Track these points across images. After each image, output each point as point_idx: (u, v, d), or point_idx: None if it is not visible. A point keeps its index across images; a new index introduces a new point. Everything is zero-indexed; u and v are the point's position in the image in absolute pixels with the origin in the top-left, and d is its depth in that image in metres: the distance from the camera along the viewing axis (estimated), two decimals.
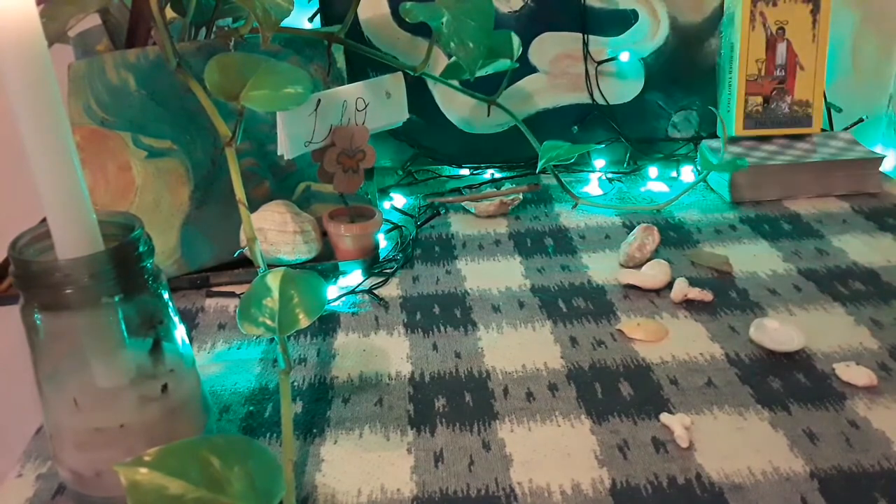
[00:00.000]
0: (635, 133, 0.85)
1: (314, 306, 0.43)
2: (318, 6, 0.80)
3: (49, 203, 0.37)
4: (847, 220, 0.71)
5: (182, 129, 0.62)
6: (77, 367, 0.40)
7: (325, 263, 0.65)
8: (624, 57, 0.82)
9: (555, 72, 0.82)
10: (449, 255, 0.68)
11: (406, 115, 0.69)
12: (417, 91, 0.78)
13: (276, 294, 0.44)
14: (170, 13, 0.64)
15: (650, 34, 0.82)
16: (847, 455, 0.43)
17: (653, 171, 0.83)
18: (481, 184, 0.83)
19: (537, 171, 0.73)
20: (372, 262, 0.66)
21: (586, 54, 0.81)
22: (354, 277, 0.64)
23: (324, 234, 0.66)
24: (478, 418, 0.47)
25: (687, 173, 0.82)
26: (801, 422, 0.46)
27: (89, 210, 0.37)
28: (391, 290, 0.63)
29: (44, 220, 0.37)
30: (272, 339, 0.55)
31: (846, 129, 0.84)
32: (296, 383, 0.51)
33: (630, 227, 0.71)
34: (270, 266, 0.49)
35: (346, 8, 0.70)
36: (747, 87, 0.80)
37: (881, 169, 0.77)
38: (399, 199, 0.79)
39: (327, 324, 0.58)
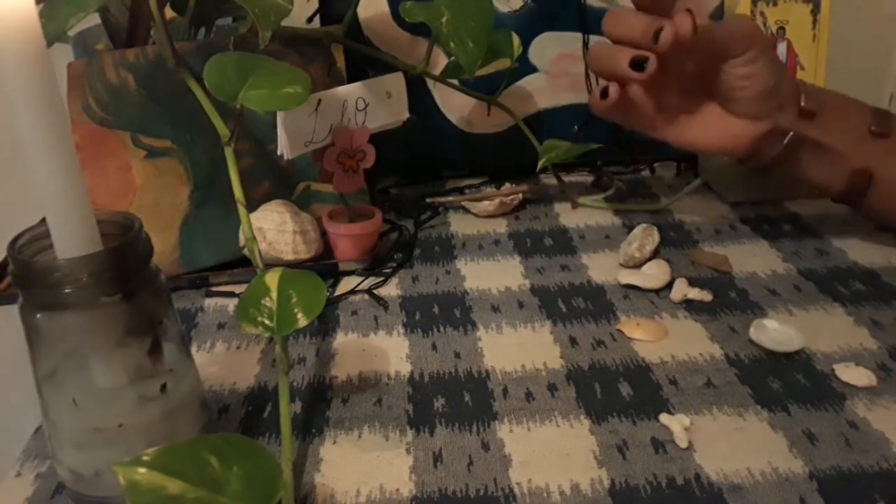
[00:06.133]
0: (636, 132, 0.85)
1: (313, 306, 0.43)
2: (318, 6, 0.80)
3: (48, 203, 0.37)
4: (847, 220, 0.71)
5: (182, 129, 0.62)
6: (76, 367, 0.40)
7: (324, 263, 0.65)
8: None
9: (555, 72, 0.82)
10: (448, 255, 0.68)
11: (406, 115, 0.69)
12: (417, 91, 0.78)
13: (274, 294, 0.44)
14: (169, 13, 0.64)
15: None
16: (846, 456, 0.43)
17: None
18: (481, 183, 0.83)
19: (537, 170, 0.73)
20: (371, 262, 0.66)
21: (586, 54, 0.81)
22: (354, 277, 0.64)
23: (323, 233, 0.66)
24: (477, 418, 0.47)
25: (688, 173, 0.82)
26: (801, 422, 0.46)
27: (89, 210, 0.37)
28: (391, 290, 0.63)
29: (43, 219, 0.37)
30: (271, 339, 0.55)
31: None
32: (295, 383, 0.51)
33: (630, 227, 0.71)
34: (269, 266, 0.49)
35: (345, 8, 0.71)
36: None
37: None
38: (399, 199, 0.79)
39: (326, 323, 0.58)
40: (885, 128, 0.60)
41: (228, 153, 0.54)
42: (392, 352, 0.54)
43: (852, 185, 0.62)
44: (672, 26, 0.56)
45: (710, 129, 0.62)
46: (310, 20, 0.81)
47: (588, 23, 0.80)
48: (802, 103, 0.60)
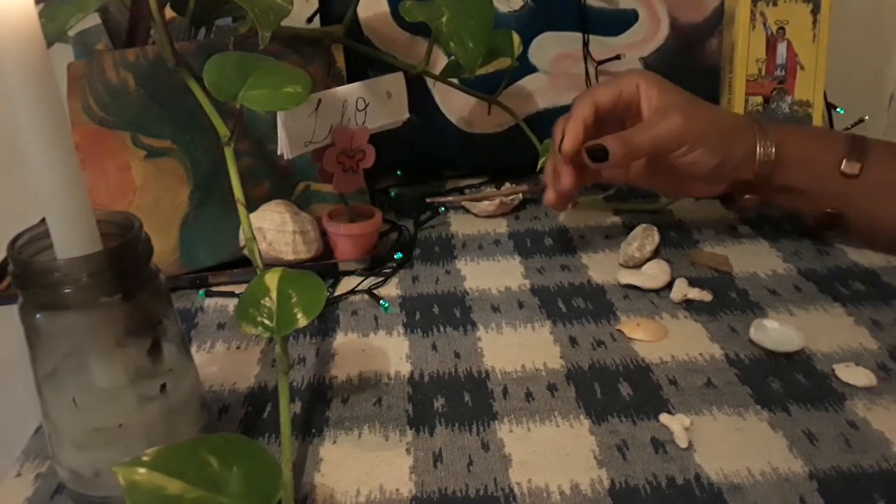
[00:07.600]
0: None
1: (313, 306, 0.43)
2: (318, 6, 0.80)
3: (48, 203, 0.37)
4: None
5: (182, 128, 0.62)
6: (76, 367, 0.40)
7: (324, 263, 0.65)
8: (624, 56, 0.82)
9: (555, 71, 0.82)
10: (449, 255, 0.68)
11: (406, 115, 0.69)
12: (417, 91, 0.78)
13: (274, 294, 0.44)
14: (169, 13, 0.64)
15: (650, 34, 0.82)
16: (846, 456, 0.43)
17: None
18: (481, 183, 0.83)
19: (537, 170, 0.73)
20: (371, 262, 0.66)
21: (586, 54, 0.81)
22: (354, 277, 0.64)
23: (323, 233, 0.66)
24: (477, 418, 0.47)
25: None
26: (801, 422, 0.46)
27: (89, 210, 0.37)
28: (391, 290, 0.63)
29: (43, 219, 0.37)
30: (271, 339, 0.55)
31: (846, 129, 0.84)
32: (295, 383, 0.51)
33: (630, 227, 0.71)
34: (269, 266, 0.49)
35: (345, 8, 0.71)
36: (747, 87, 0.80)
37: None
38: (399, 200, 0.79)
39: (326, 323, 0.58)
40: (855, 167, 0.60)
41: (228, 153, 0.54)
42: (392, 352, 0.54)
43: (823, 226, 0.64)
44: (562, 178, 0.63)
45: (680, 186, 0.66)
46: (310, 20, 0.81)
47: (588, 23, 0.80)
48: (756, 168, 0.61)
